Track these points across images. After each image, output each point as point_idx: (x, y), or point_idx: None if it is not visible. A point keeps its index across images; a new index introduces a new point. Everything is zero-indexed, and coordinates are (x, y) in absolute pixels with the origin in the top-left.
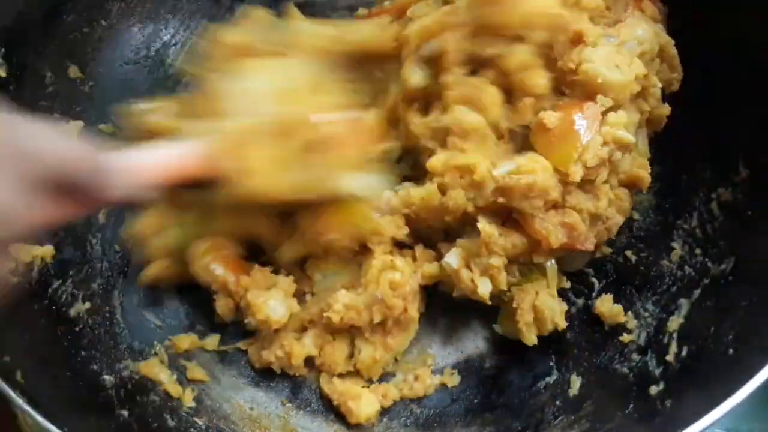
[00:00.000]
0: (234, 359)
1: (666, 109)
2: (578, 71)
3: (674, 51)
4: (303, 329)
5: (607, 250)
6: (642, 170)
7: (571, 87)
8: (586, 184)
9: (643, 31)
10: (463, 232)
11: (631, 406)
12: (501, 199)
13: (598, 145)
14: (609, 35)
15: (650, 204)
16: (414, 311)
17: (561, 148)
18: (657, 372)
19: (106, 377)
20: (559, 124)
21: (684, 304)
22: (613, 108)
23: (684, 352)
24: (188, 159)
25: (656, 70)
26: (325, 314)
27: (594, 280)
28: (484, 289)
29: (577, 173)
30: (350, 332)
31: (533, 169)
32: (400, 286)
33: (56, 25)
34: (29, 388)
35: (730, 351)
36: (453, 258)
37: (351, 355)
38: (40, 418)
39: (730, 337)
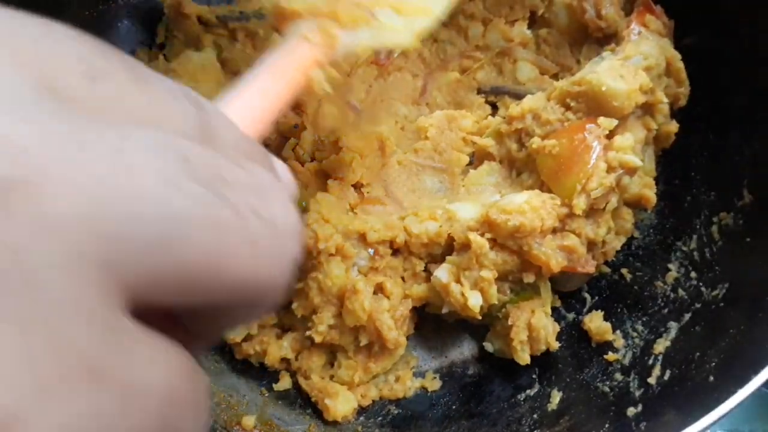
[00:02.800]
0: (217, 345)
1: (674, 126)
2: (582, 81)
3: (681, 65)
4: (285, 329)
5: (606, 269)
6: (648, 189)
7: (576, 98)
8: (595, 213)
9: (649, 46)
10: (453, 251)
11: (607, 425)
12: (488, 235)
13: (602, 173)
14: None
15: (651, 223)
16: (402, 337)
17: (565, 178)
18: (637, 394)
19: None
20: (562, 151)
21: (673, 327)
22: (619, 126)
23: (666, 376)
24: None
25: (664, 86)
26: (307, 333)
27: (586, 295)
28: (475, 302)
29: (580, 205)
30: (332, 346)
31: (523, 210)
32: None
33: (69, 2)
34: None
35: (711, 378)
36: (442, 273)
37: (329, 364)
38: None
39: (713, 364)
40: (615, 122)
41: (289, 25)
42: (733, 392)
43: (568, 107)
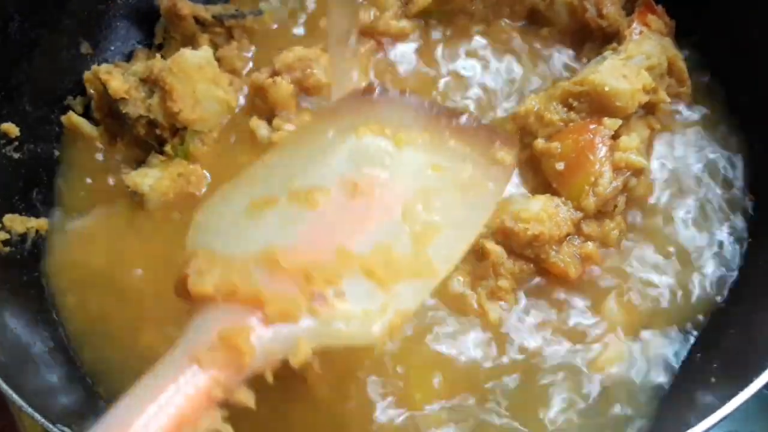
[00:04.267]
0: None
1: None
2: (584, 81)
3: (683, 65)
4: None
5: None
6: (650, 190)
7: (578, 98)
8: (605, 216)
9: (651, 46)
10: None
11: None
12: (505, 243)
13: (610, 174)
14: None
15: None
16: None
17: (572, 180)
18: None
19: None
20: (567, 153)
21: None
22: (622, 126)
23: (669, 377)
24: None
25: (666, 85)
26: None
27: None
28: (495, 315)
29: (590, 206)
30: None
31: (541, 219)
32: None
33: (69, 1)
34: (5, 357)
35: (712, 380)
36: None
37: None
38: (4, 386)
39: (714, 365)
40: (619, 122)
41: (199, 310)
42: (734, 394)
43: (570, 107)
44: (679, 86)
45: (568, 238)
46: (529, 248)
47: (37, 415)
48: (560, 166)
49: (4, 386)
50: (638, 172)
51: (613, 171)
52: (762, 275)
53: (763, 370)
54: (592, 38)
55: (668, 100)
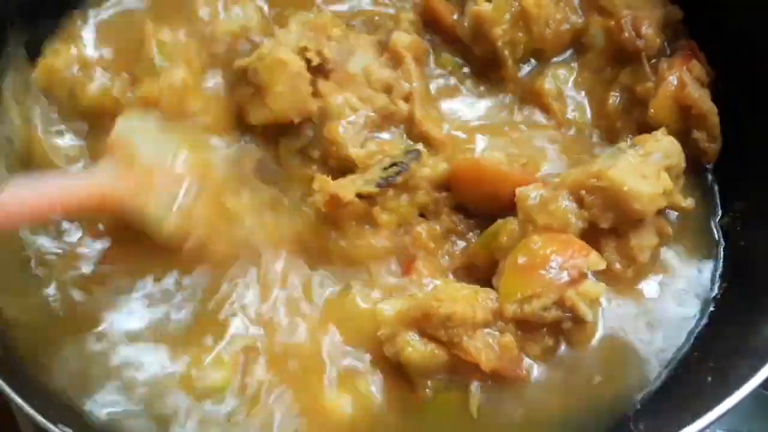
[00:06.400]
0: None
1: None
2: (600, 175)
3: (716, 119)
4: None
5: None
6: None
7: (592, 192)
8: (531, 329)
9: (669, 143)
10: None
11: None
12: (420, 324)
13: (548, 304)
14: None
15: None
16: None
17: (516, 277)
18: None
19: None
20: (536, 253)
21: None
22: (632, 227)
23: (665, 375)
24: (83, 193)
25: (680, 187)
26: None
27: None
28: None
29: (508, 312)
30: None
31: (455, 298)
32: None
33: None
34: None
35: (709, 378)
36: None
37: None
38: (8, 390)
39: (710, 364)
40: (603, 265)
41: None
42: (732, 392)
43: (581, 200)
44: (709, 142)
45: (487, 329)
46: (442, 329)
47: (37, 416)
48: (522, 260)
49: (4, 386)
50: (578, 320)
51: (555, 303)
52: (759, 275)
53: (759, 368)
54: (630, 61)
55: (684, 204)
